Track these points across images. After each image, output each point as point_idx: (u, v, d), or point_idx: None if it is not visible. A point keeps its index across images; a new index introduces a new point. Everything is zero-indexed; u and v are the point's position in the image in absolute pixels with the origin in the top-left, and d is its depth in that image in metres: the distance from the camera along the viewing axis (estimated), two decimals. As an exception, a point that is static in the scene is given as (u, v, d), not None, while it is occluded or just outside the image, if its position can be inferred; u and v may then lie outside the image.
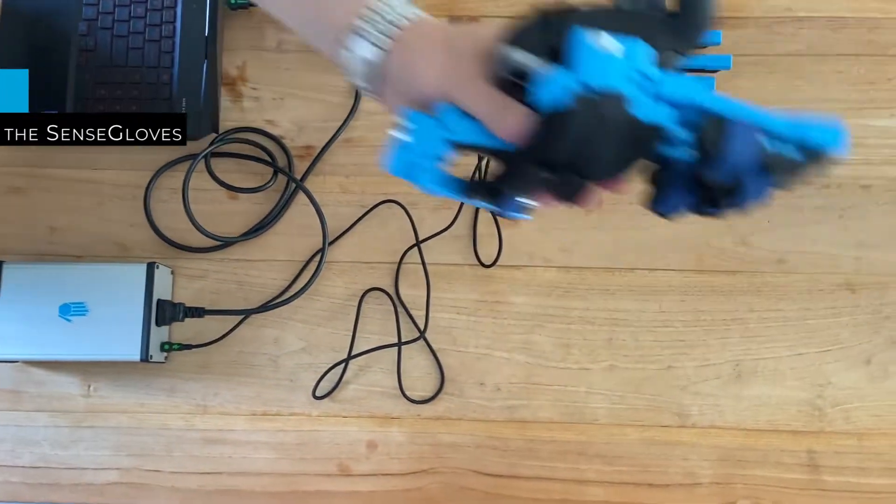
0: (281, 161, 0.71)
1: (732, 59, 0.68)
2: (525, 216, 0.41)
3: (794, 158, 0.37)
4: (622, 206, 0.70)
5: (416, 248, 0.69)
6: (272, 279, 0.69)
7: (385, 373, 0.67)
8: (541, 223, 0.70)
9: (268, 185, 0.70)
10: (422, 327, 0.67)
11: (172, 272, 0.68)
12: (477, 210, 0.70)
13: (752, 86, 0.72)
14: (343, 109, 0.72)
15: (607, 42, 0.36)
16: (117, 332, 0.63)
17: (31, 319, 0.63)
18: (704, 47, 0.40)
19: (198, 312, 0.66)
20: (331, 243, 0.69)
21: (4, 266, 0.64)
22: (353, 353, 0.67)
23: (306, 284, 0.67)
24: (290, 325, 0.68)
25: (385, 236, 0.70)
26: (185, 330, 0.67)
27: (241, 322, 0.68)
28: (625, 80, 0.36)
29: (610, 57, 0.36)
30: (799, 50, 0.73)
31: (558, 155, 0.37)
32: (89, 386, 0.67)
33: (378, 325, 0.68)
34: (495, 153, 0.41)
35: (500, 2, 0.74)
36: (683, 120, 0.37)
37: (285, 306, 0.67)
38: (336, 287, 0.69)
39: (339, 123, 0.71)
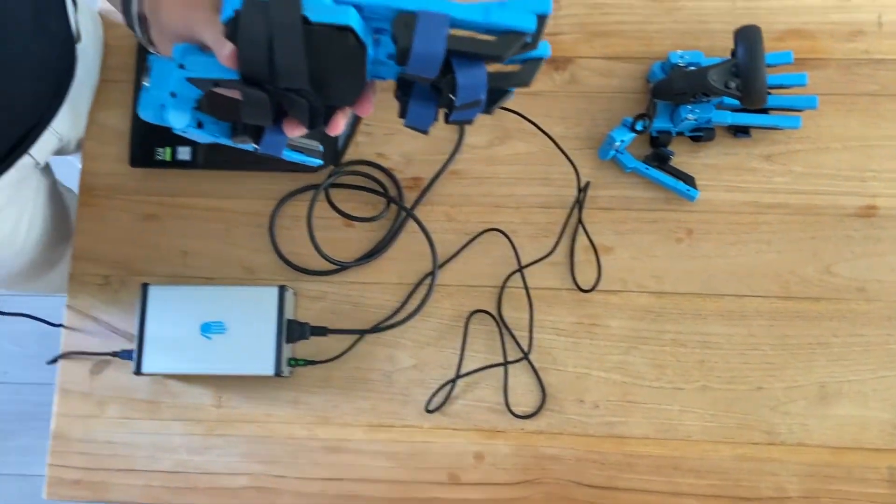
0: (391, 191, 0.77)
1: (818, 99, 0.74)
2: (284, 155, 0.42)
3: (483, 40, 0.39)
4: (711, 235, 0.75)
5: (518, 273, 0.74)
6: (385, 300, 0.75)
7: (491, 389, 0.73)
8: (634, 252, 0.75)
9: (382, 215, 0.76)
10: (525, 348, 0.73)
11: (295, 293, 0.74)
12: (574, 238, 0.75)
13: (833, 123, 0.76)
14: (447, 143, 0.78)
15: None
16: (253, 349, 0.69)
17: (175, 337, 0.69)
18: None
19: (322, 331, 0.72)
20: (439, 267, 0.75)
21: (150, 288, 0.70)
22: (462, 371, 0.72)
23: (418, 307, 0.73)
24: (402, 344, 0.74)
25: (488, 262, 0.75)
26: (308, 346, 0.73)
27: (358, 340, 0.73)
28: None
29: None
30: (876, 90, 0.77)
31: (248, 65, 0.38)
32: (220, 397, 0.73)
33: (483, 345, 0.74)
34: (231, 85, 0.42)
35: (593, 44, 0.79)
36: (379, 25, 0.39)
37: (398, 326, 0.73)
38: (444, 309, 0.74)
39: (444, 156, 0.77)
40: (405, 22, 0.39)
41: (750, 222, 0.75)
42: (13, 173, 0.70)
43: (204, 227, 0.76)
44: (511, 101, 0.78)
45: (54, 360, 0.74)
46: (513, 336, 0.73)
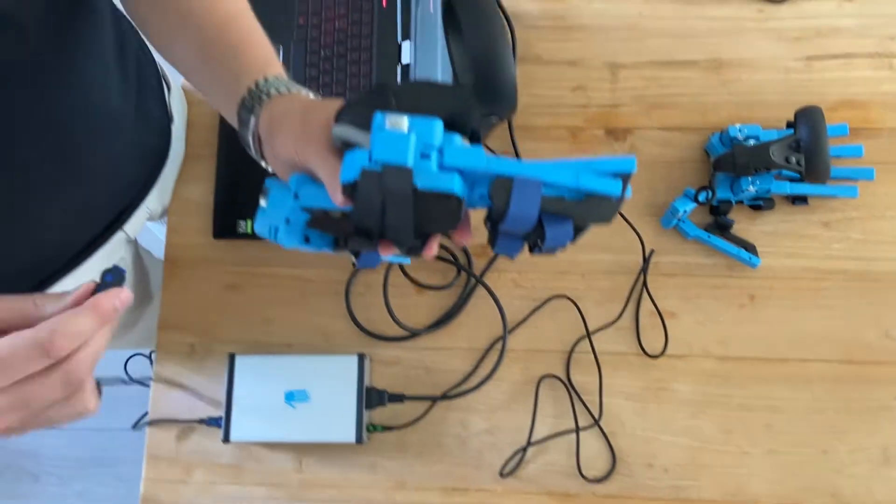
0: (461, 259, 0.80)
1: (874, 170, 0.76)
2: (381, 262, 0.47)
3: (574, 201, 0.43)
4: (773, 301, 0.77)
5: (586, 338, 0.77)
6: (457, 365, 0.78)
7: (562, 453, 0.75)
8: (699, 317, 0.77)
9: (452, 283, 0.79)
10: (595, 413, 0.75)
11: (371, 359, 0.77)
12: (639, 304, 0.78)
13: (889, 191, 0.79)
14: (514, 212, 0.81)
15: (398, 123, 0.43)
16: (335, 416, 0.72)
17: (261, 405, 0.72)
18: (512, 111, 0.47)
19: (399, 398, 0.75)
20: (508, 333, 0.77)
21: (237, 358, 0.74)
22: (533, 435, 0.75)
23: (490, 373, 0.75)
24: (475, 408, 0.76)
25: (556, 327, 0.78)
26: (384, 412, 0.76)
27: (432, 406, 0.76)
28: (413, 154, 0.42)
29: (400, 135, 0.43)
30: (931, 157, 0.80)
31: (361, 221, 0.43)
32: (301, 462, 0.76)
33: (553, 408, 0.76)
34: (343, 214, 0.47)
35: (651, 115, 0.83)
36: (478, 182, 0.44)
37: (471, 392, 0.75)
38: (514, 373, 0.77)
39: (510, 225, 0.80)
40: (502, 186, 0.43)
41: (810, 288, 0.77)
42: (105, 248, 0.74)
43: (284, 295, 0.80)
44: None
45: (139, 425, 0.77)
46: (582, 401, 0.75)
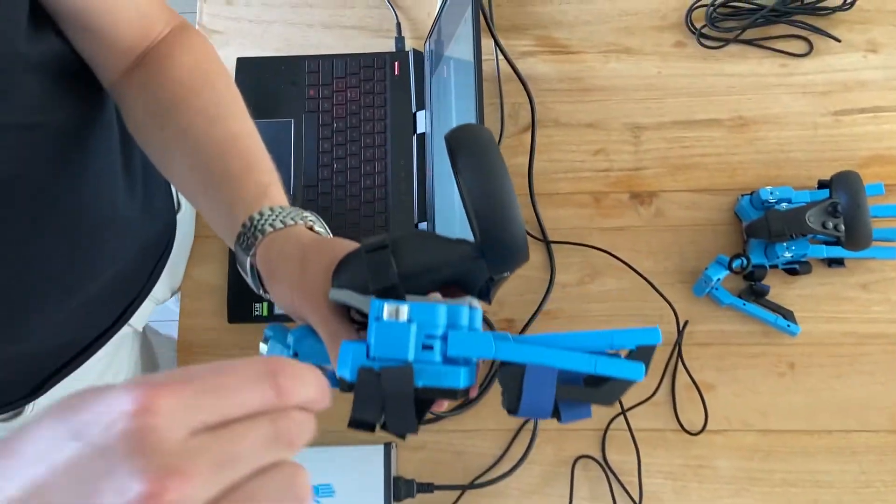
0: (486, 334, 0.77)
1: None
2: None
3: (591, 388, 0.40)
4: (813, 368, 0.74)
5: (621, 416, 0.74)
6: (486, 448, 0.74)
7: (601, 539, 0.71)
8: (737, 388, 0.74)
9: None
10: (634, 495, 0.71)
11: (396, 445, 0.74)
12: (674, 378, 0.74)
13: (927, 248, 0.76)
14: (538, 282, 0.78)
15: (397, 312, 0.39)
16: (362, 511, 0.68)
17: (284, 502, 0.69)
18: (523, 264, 0.43)
19: (428, 488, 0.71)
20: (538, 412, 0.74)
21: (257, 451, 0.70)
22: (570, 520, 0.71)
23: (522, 456, 0.72)
24: (507, 493, 0.73)
25: (588, 403, 0.75)
26: (413, 501, 0.72)
27: (462, 494, 0.72)
28: (414, 348, 0.39)
29: (400, 327, 0.39)
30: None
31: (360, 416, 0.40)
32: (327, 557, 0.72)
33: (590, 491, 0.73)
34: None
35: (677, 177, 0.80)
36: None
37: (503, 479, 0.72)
38: (547, 454, 0.74)
39: (535, 295, 0.77)
40: (513, 375, 0.40)
41: (852, 353, 0.74)
42: (112, 342, 0.71)
43: (301, 379, 0.77)
44: (599, 238, 0.79)
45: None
46: (620, 483, 0.72)
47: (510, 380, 0.40)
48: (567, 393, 0.40)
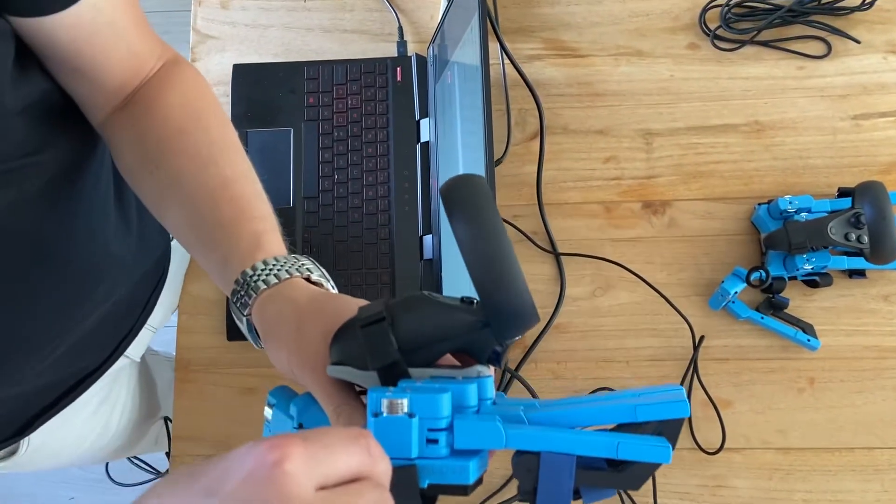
0: (494, 350, 0.74)
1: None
2: None
3: (606, 472, 0.37)
4: (834, 384, 0.71)
5: (635, 434, 0.71)
6: (495, 468, 0.72)
7: (616, 563, 0.69)
8: (755, 405, 0.71)
9: (487, 378, 0.73)
10: (649, 518, 0.69)
11: (402, 466, 0.71)
12: (690, 395, 0.72)
13: (952, 258, 0.73)
14: (548, 296, 0.75)
15: (397, 406, 0.36)
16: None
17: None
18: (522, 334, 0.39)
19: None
20: (549, 431, 0.72)
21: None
22: (584, 543, 0.69)
23: (533, 476, 0.70)
24: (517, 516, 0.71)
25: (600, 421, 0.72)
26: (419, 524, 0.70)
27: (472, 515, 0.70)
28: (416, 443, 0.36)
29: (400, 422, 0.36)
30: None
31: None
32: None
33: (603, 513, 0.70)
34: None
35: (691, 185, 0.77)
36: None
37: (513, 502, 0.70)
38: (558, 475, 0.71)
39: (545, 309, 0.75)
40: (527, 466, 0.36)
41: (874, 367, 0.72)
42: (108, 374, 0.69)
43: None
44: (610, 250, 0.76)
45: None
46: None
47: (524, 470, 0.36)
48: (588, 479, 0.37)
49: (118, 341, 0.69)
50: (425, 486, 0.36)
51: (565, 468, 0.36)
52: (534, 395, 0.71)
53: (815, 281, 0.72)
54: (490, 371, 0.41)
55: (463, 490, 0.37)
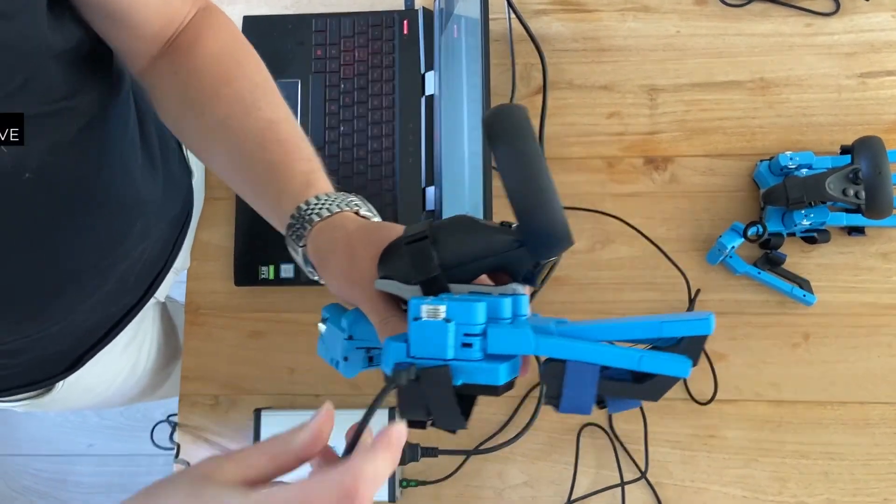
0: (494, 300, 0.76)
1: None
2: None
3: (634, 384, 0.39)
4: (829, 339, 0.72)
5: (629, 384, 0.73)
6: (492, 414, 0.74)
7: (606, 506, 0.71)
8: (749, 358, 0.72)
9: (486, 327, 0.75)
10: (640, 464, 0.71)
11: (402, 410, 0.74)
12: (685, 346, 0.73)
13: (953, 217, 0.73)
14: (548, 249, 0.77)
15: (436, 312, 0.39)
16: (367, 474, 0.68)
17: (290, 464, 0.69)
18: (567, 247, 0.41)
19: (432, 452, 0.71)
20: (545, 379, 0.73)
21: (263, 414, 0.70)
22: (575, 489, 0.71)
23: (528, 423, 0.71)
24: (512, 460, 0.73)
25: (596, 371, 0.74)
26: (417, 465, 0.72)
27: (467, 458, 0.72)
28: (452, 345, 0.38)
29: (438, 326, 0.38)
30: None
31: (407, 416, 0.40)
32: (332, 518, 0.73)
33: (595, 459, 0.72)
34: None
35: (693, 142, 0.78)
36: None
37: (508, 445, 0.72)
38: (552, 422, 0.73)
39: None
40: (554, 372, 0.39)
41: (869, 324, 0.72)
42: (137, 316, 0.72)
43: (309, 342, 0.76)
44: (611, 204, 0.77)
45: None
46: (627, 452, 0.71)
47: (551, 376, 0.39)
48: (610, 389, 0.39)
49: (153, 279, 0.72)
50: (459, 384, 0.39)
51: (589, 376, 0.39)
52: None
53: (814, 237, 0.72)
54: (525, 290, 0.43)
55: (494, 391, 0.39)
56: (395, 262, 0.43)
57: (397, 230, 0.45)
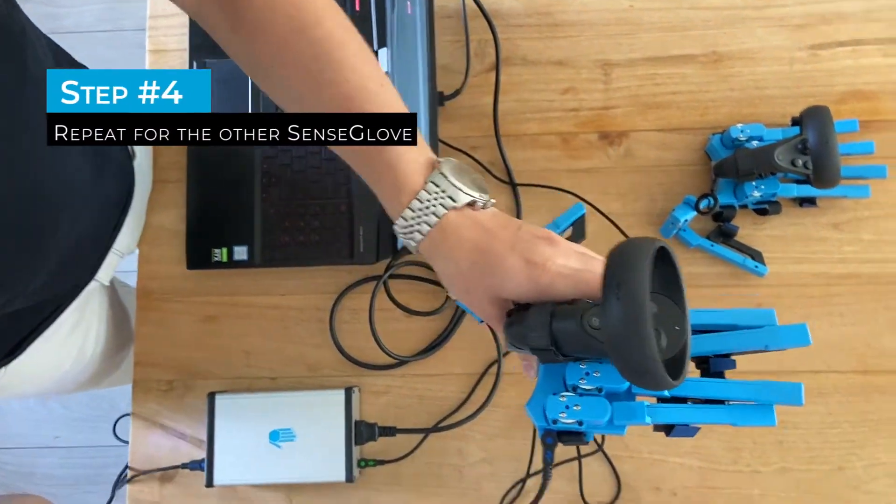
0: (450, 279, 0.75)
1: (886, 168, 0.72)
2: None
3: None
4: (782, 310, 0.72)
5: (585, 359, 0.73)
6: (451, 392, 0.74)
7: (565, 480, 0.71)
8: (704, 330, 0.73)
9: (443, 308, 0.74)
10: (598, 438, 0.71)
11: (359, 389, 0.73)
12: (641, 320, 0.73)
13: (902, 187, 0.74)
14: (504, 226, 0.76)
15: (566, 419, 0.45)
16: (323, 455, 0.68)
17: (245, 447, 0.68)
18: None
19: (390, 432, 0.71)
20: (504, 355, 0.73)
21: (217, 398, 0.70)
22: (534, 464, 0.71)
23: (486, 400, 0.72)
24: (471, 437, 0.72)
25: (553, 347, 0.74)
26: (375, 444, 0.72)
27: (426, 437, 0.72)
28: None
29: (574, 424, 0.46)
30: (946, 148, 0.75)
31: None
32: (291, 501, 0.72)
33: (553, 434, 0.72)
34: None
35: (647, 116, 0.77)
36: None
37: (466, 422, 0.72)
38: (511, 398, 0.73)
39: (501, 239, 0.76)
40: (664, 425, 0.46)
41: (821, 294, 0.73)
42: (80, 298, 0.70)
43: (264, 325, 0.76)
44: (567, 180, 0.77)
45: (120, 482, 0.73)
46: (584, 425, 0.72)
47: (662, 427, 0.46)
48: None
49: (90, 263, 0.70)
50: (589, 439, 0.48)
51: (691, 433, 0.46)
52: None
53: (765, 209, 0.72)
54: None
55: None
56: (522, 343, 0.46)
57: (503, 282, 0.45)
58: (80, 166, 0.61)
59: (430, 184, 0.47)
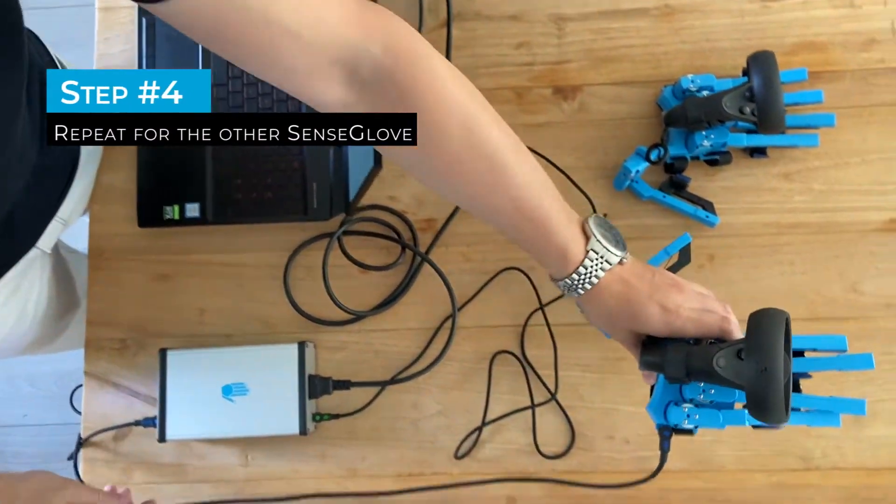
0: (405, 235, 0.75)
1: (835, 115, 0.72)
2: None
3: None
4: (733, 259, 0.73)
5: (539, 311, 0.73)
6: (406, 346, 0.74)
7: (519, 431, 0.72)
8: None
9: (397, 263, 0.74)
10: (551, 388, 0.72)
11: (315, 345, 0.73)
12: (594, 271, 0.74)
13: (851, 137, 0.75)
14: (459, 181, 0.76)
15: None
16: (276, 408, 0.68)
17: (197, 402, 0.68)
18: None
19: (345, 385, 0.71)
20: (458, 310, 0.73)
21: (169, 353, 0.69)
22: (489, 414, 0.72)
23: (440, 353, 0.72)
24: (426, 390, 0.73)
25: (508, 301, 0.74)
26: (331, 399, 0.72)
27: (381, 390, 0.72)
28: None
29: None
30: (894, 100, 0.75)
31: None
32: (247, 456, 0.72)
33: (508, 386, 0.73)
34: None
35: (601, 70, 0.78)
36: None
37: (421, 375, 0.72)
38: (466, 351, 0.73)
39: (456, 194, 0.76)
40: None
41: (772, 244, 0.74)
42: (19, 265, 0.69)
43: (218, 283, 0.75)
44: (522, 135, 0.77)
45: (77, 449, 0.73)
46: (538, 376, 0.72)
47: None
48: None
49: (29, 232, 0.69)
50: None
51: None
52: (445, 280, 0.72)
53: (716, 160, 0.73)
54: None
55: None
56: (658, 370, 0.57)
57: (650, 321, 0.56)
58: (26, 135, 0.60)
59: (591, 252, 0.56)
